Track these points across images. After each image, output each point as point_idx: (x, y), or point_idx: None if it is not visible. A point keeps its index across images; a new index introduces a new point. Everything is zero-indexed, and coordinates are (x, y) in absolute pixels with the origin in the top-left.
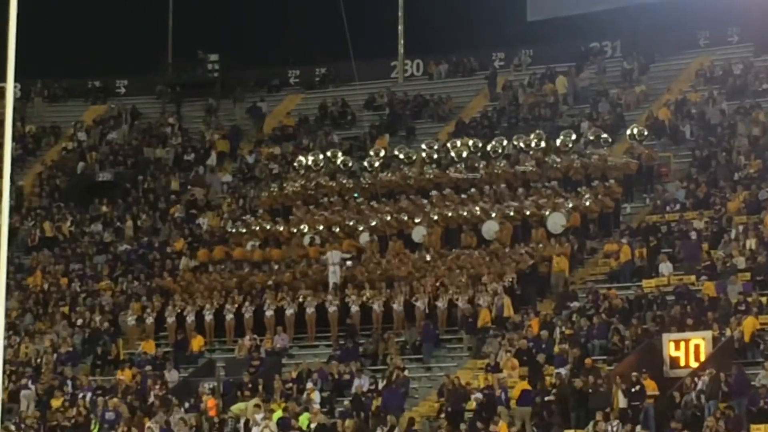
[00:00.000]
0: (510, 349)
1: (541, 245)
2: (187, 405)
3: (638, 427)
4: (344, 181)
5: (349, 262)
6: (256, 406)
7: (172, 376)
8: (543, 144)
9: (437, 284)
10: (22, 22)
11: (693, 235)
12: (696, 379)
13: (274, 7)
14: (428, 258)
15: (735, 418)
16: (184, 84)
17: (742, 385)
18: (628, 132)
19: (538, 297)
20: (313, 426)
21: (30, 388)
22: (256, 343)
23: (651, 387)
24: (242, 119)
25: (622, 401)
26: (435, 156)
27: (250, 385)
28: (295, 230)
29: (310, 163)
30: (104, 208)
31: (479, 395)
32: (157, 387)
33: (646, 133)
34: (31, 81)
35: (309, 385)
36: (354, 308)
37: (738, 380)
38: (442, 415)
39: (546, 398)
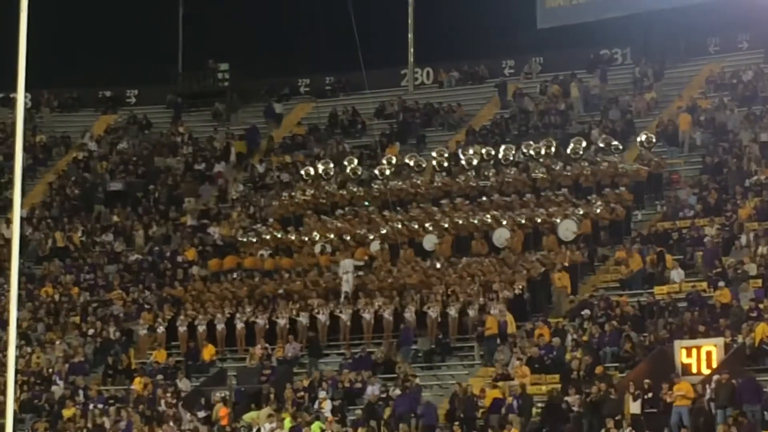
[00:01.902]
0: (521, 357)
1: (552, 252)
2: (198, 414)
3: None
4: (355, 190)
5: (361, 272)
6: (269, 415)
7: (183, 385)
8: (553, 151)
9: (448, 292)
10: (32, 31)
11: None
12: (708, 386)
13: (284, 17)
14: (439, 265)
15: (747, 425)
16: (195, 93)
17: (754, 392)
18: (639, 139)
19: (549, 304)
20: None
21: (58, 384)
22: (268, 351)
23: (685, 389)
24: (257, 120)
25: (634, 408)
26: (445, 164)
27: (264, 394)
28: (306, 239)
29: (320, 171)
30: (115, 218)
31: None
32: (169, 396)
33: (654, 140)
34: (41, 91)
35: (321, 393)
36: (367, 316)
37: (750, 387)
38: (455, 423)
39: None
